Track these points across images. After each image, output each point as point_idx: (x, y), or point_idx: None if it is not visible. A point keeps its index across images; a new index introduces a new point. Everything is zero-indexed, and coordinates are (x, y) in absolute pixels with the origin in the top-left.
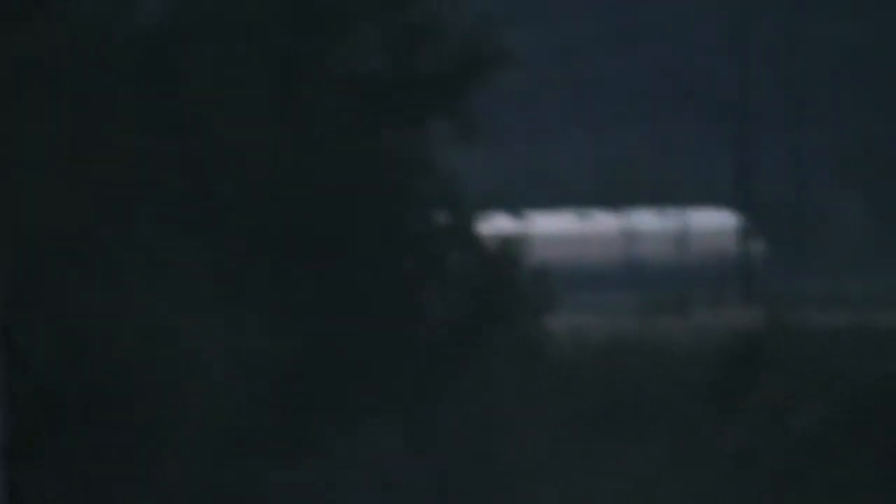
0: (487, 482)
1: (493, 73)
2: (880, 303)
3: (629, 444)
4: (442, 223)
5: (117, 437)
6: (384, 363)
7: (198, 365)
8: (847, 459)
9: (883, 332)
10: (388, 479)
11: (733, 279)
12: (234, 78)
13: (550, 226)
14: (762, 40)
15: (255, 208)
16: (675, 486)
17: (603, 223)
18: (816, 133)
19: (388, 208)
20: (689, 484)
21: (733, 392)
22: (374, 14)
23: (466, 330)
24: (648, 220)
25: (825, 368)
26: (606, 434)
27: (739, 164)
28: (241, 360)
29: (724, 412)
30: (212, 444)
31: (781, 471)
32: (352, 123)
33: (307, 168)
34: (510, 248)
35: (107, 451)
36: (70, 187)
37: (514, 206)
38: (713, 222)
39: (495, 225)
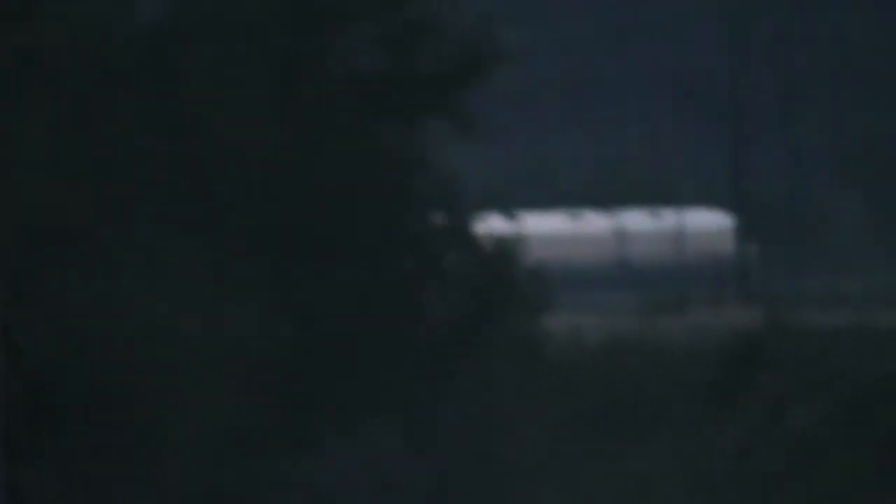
0: (487, 482)
1: (491, 72)
2: (879, 302)
3: (629, 444)
4: (440, 223)
5: (116, 436)
6: (383, 363)
7: (197, 364)
8: (846, 459)
9: (882, 332)
10: (388, 479)
11: (728, 279)
12: (233, 77)
13: (542, 226)
14: (761, 40)
15: (254, 207)
16: (675, 486)
17: (594, 223)
18: (816, 133)
19: (388, 208)
20: (689, 483)
21: (732, 392)
22: (373, 13)
23: (465, 329)
24: (640, 221)
25: (824, 368)
26: (606, 434)
27: (737, 163)
28: (241, 360)
29: (723, 412)
30: (211, 444)
31: (780, 470)
32: (351, 122)
33: (306, 167)
34: (508, 247)
35: (106, 450)
36: (69, 187)
37: (510, 205)
38: (708, 222)
39: (490, 225)
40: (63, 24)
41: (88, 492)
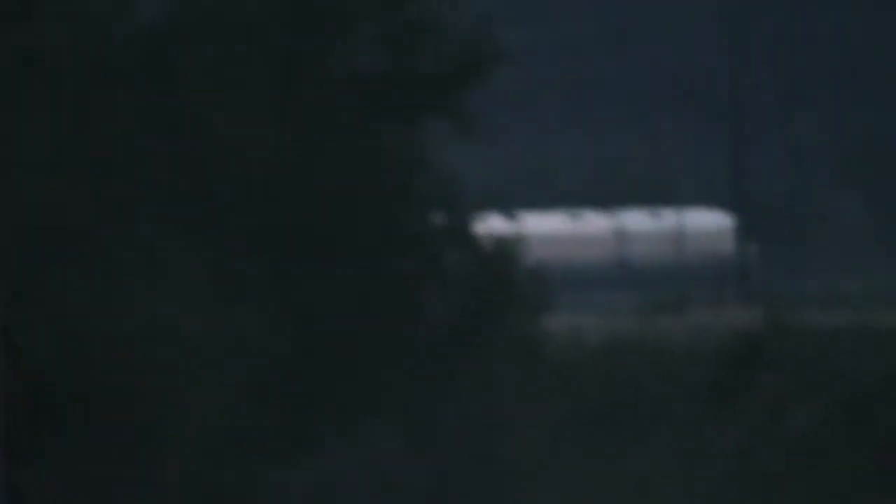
0: (487, 482)
1: (491, 72)
2: (879, 302)
3: (629, 444)
4: (441, 223)
5: (116, 436)
6: (383, 363)
7: (197, 364)
8: (846, 459)
9: (882, 332)
10: (388, 479)
11: (727, 279)
12: (233, 77)
13: (541, 226)
14: (761, 40)
15: (254, 207)
16: (675, 486)
17: (594, 223)
18: (816, 132)
19: (388, 208)
20: (689, 483)
21: (732, 392)
22: (373, 13)
23: (465, 329)
24: (640, 221)
25: (824, 368)
26: (606, 434)
27: (737, 163)
28: (241, 360)
29: (723, 412)
30: (211, 444)
31: (780, 470)
32: (351, 122)
33: (306, 167)
34: (508, 247)
35: (106, 450)
36: (69, 187)
37: (510, 205)
38: (708, 222)
39: (490, 225)
40: (63, 23)
41: (88, 491)
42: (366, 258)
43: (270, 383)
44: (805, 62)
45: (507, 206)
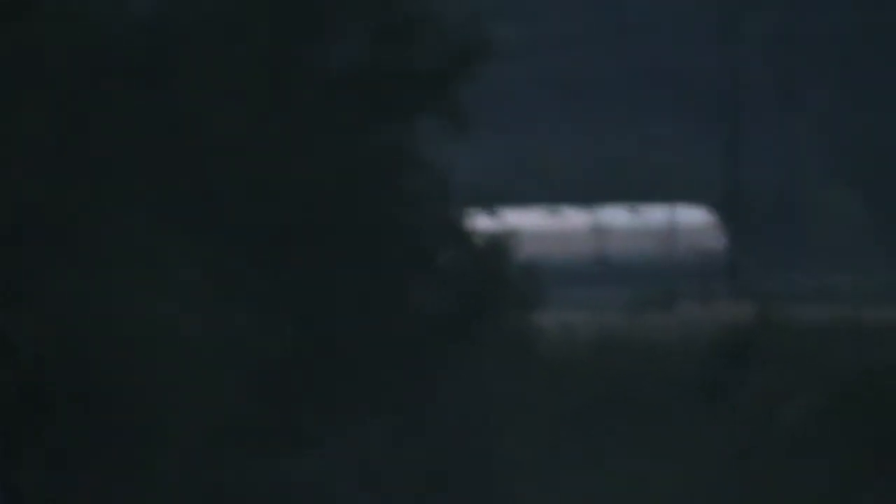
0: (477, 478)
1: (484, 68)
2: (872, 298)
3: (620, 441)
4: (434, 219)
5: (114, 436)
6: (374, 359)
7: (189, 360)
8: (836, 453)
9: (874, 328)
10: (378, 474)
11: (712, 275)
12: (224, 74)
13: (520, 222)
14: (758, 38)
15: (246, 204)
16: (666, 481)
17: (572, 219)
18: (815, 132)
19: (382, 204)
20: (680, 479)
21: (724, 388)
22: (365, 9)
23: (458, 326)
24: (618, 217)
25: (814, 363)
26: (598, 430)
27: (734, 160)
28: (232, 356)
29: (714, 408)
30: (203, 439)
31: (771, 465)
32: (341, 119)
33: (297, 163)
34: (501, 244)
35: (104, 450)
36: (65, 185)
37: (498, 202)
38: (689, 219)
39: (476, 222)
40: (57, 22)
41: (86, 491)
42: (360, 256)
43: (261, 378)
44: (803, 61)
45: (492, 202)
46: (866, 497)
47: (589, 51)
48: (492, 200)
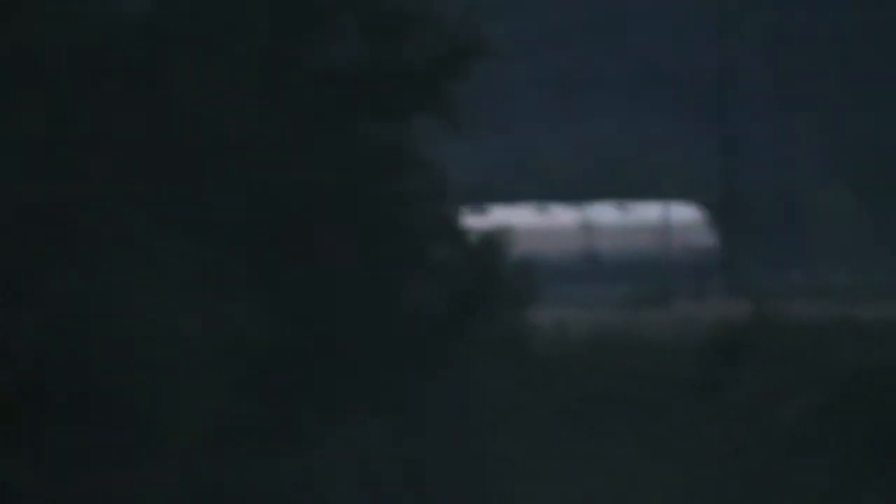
0: (471, 475)
1: (478, 65)
2: (868, 296)
3: (615, 438)
4: (430, 217)
5: (112, 435)
6: (369, 355)
7: (189, 360)
8: (834, 452)
9: (868, 325)
10: (372, 471)
11: (702, 272)
12: (222, 74)
13: (509, 219)
14: (755, 35)
15: (244, 203)
16: (661, 479)
17: (561, 217)
18: (809, 129)
19: (377, 203)
20: (675, 477)
21: (719, 385)
22: (358, 6)
23: (452, 323)
24: (607, 214)
25: (812, 361)
26: (592, 427)
27: (727, 158)
28: (226, 352)
29: (709, 405)
30: (202, 439)
31: (766, 462)
32: (339, 118)
33: (295, 163)
34: (495, 241)
35: (101, 449)
36: (60, 183)
37: (489, 200)
38: (679, 216)
39: (467, 219)
40: (57, 21)
41: (86, 491)
42: (358, 255)
43: (255, 375)
44: (801, 60)
45: (482, 200)
46: (864, 495)
47: (587, 49)
48: (484, 198)
